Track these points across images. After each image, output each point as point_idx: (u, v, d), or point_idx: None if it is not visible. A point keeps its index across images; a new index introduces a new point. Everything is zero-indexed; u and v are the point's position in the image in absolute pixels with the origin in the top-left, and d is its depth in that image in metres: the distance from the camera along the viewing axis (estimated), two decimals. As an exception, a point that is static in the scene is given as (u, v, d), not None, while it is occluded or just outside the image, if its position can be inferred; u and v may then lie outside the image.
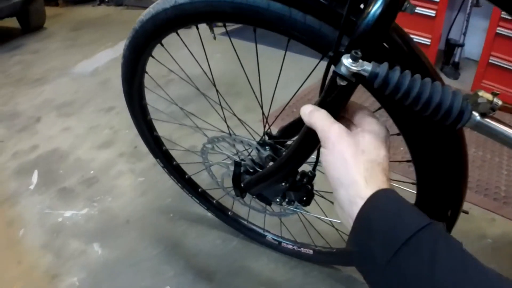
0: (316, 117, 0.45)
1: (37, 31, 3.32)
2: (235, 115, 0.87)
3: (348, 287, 1.02)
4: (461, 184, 0.59)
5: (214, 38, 0.67)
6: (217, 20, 0.58)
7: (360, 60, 0.38)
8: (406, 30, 0.50)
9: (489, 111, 0.36)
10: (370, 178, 0.40)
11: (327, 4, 0.49)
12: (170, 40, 0.73)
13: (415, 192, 0.64)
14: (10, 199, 1.42)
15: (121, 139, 1.70)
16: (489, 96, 0.36)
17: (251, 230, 1.12)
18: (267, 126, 0.78)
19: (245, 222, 1.13)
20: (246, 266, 1.10)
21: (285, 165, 0.63)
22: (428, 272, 0.31)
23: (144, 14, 0.66)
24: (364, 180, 0.40)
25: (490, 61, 1.83)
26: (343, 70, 0.39)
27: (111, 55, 2.62)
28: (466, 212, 0.63)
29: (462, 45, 2.06)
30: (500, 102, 0.36)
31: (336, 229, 0.96)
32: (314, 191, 0.73)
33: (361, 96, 0.60)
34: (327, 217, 0.91)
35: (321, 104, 0.47)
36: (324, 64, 0.50)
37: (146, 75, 0.84)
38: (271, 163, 0.74)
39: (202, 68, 0.82)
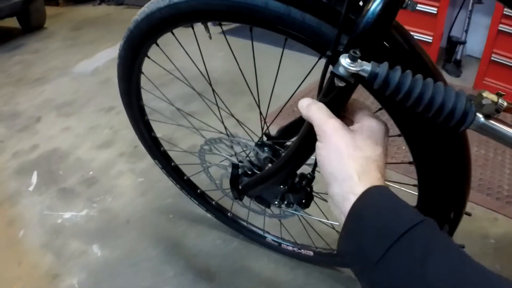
0: (313, 110, 0.44)
1: (38, 31, 3.32)
2: (232, 116, 0.86)
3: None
4: (464, 185, 0.57)
5: (210, 37, 0.66)
6: (213, 19, 0.57)
7: (359, 60, 0.37)
8: (407, 27, 0.49)
9: (493, 112, 0.35)
10: (363, 175, 0.39)
11: (326, 1, 0.47)
12: (171, 38, 0.72)
13: (417, 193, 0.63)
14: (10, 198, 1.42)
15: (121, 139, 1.70)
16: (493, 97, 0.35)
17: (251, 231, 1.12)
18: (266, 127, 0.77)
19: (245, 223, 1.12)
20: (247, 266, 1.09)
21: (284, 167, 0.62)
22: (420, 270, 0.30)
23: (139, 14, 0.65)
24: (357, 176, 0.39)
25: (492, 58, 1.81)
26: (341, 70, 0.38)
27: (111, 54, 2.61)
28: (469, 214, 0.62)
29: (464, 43, 2.04)
30: (505, 103, 0.35)
31: (337, 231, 0.94)
32: (314, 193, 0.72)
33: (361, 94, 0.59)
34: (328, 219, 0.90)
35: None
36: (323, 63, 0.49)
37: (143, 75, 0.83)
38: (269, 165, 0.73)
39: (198, 68, 0.80)
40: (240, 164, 0.77)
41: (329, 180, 0.42)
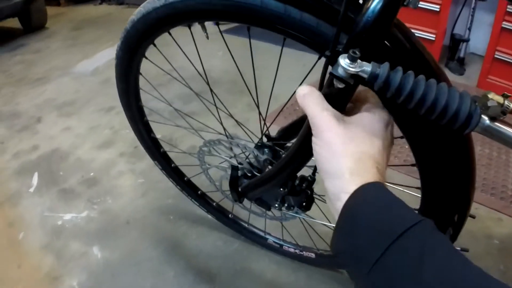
0: (308, 101, 0.41)
1: (39, 31, 3.32)
2: (231, 116, 0.84)
3: (351, 290, 1.00)
4: (468, 187, 0.56)
5: (207, 37, 0.65)
6: (209, 19, 0.56)
7: (359, 60, 0.36)
8: (409, 25, 0.48)
9: (499, 114, 0.34)
10: (357, 171, 0.37)
11: (325, 0, 0.46)
12: (171, 38, 0.70)
13: (420, 196, 0.61)
14: (11, 199, 1.42)
15: (121, 139, 1.69)
16: (499, 99, 0.33)
17: (252, 232, 1.11)
18: (265, 128, 0.76)
19: (246, 225, 1.11)
20: (248, 268, 1.08)
21: (283, 170, 0.60)
22: (418, 271, 0.29)
23: (135, 14, 0.64)
24: (349, 173, 0.37)
25: (496, 56, 1.80)
26: (340, 71, 0.36)
27: (112, 54, 2.58)
28: (473, 217, 0.61)
29: (467, 40, 2.02)
30: (511, 105, 0.33)
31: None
32: (315, 196, 0.71)
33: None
34: (330, 221, 0.89)
35: None
36: (324, 62, 0.47)
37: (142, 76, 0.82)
38: (269, 167, 0.72)
39: (196, 68, 0.79)
40: (239, 166, 0.76)
41: (323, 176, 0.40)
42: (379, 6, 0.37)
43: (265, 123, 0.75)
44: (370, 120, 0.41)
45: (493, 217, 1.17)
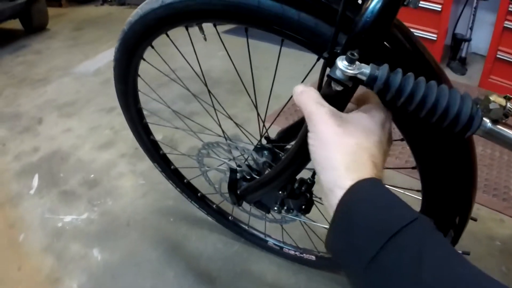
0: (305, 97, 0.41)
1: (40, 32, 3.32)
2: (230, 118, 0.84)
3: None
4: (469, 190, 0.55)
5: (205, 39, 0.64)
6: (209, 19, 0.55)
7: (357, 62, 0.35)
8: (410, 25, 0.47)
9: (501, 117, 0.33)
10: (353, 165, 0.36)
11: (324, 0, 0.45)
12: (173, 37, 0.70)
13: (420, 198, 0.61)
14: (11, 201, 1.42)
15: (122, 140, 1.69)
16: (501, 101, 0.33)
17: (253, 234, 1.10)
18: (264, 129, 0.75)
19: (246, 227, 1.11)
20: (248, 270, 1.08)
21: (282, 172, 0.60)
22: (414, 270, 0.28)
23: (133, 15, 0.63)
24: (344, 166, 0.36)
25: (498, 56, 1.78)
26: (338, 73, 0.35)
27: (113, 54, 2.60)
28: (475, 220, 0.60)
29: (469, 40, 2.01)
30: (514, 108, 0.33)
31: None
32: (314, 198, 0.70)
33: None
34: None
35: None
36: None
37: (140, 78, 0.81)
38: (269, 170, 0.71)
39: (194, 70, 0.79)
40: (238, 168, 0.75)
41: (317, 170, 0.39)
42: (378, 6, 0.36)
43: (264, 125, 0.74)
44: (368, 117, 0.40)
45: (495, 218, 1.16)
